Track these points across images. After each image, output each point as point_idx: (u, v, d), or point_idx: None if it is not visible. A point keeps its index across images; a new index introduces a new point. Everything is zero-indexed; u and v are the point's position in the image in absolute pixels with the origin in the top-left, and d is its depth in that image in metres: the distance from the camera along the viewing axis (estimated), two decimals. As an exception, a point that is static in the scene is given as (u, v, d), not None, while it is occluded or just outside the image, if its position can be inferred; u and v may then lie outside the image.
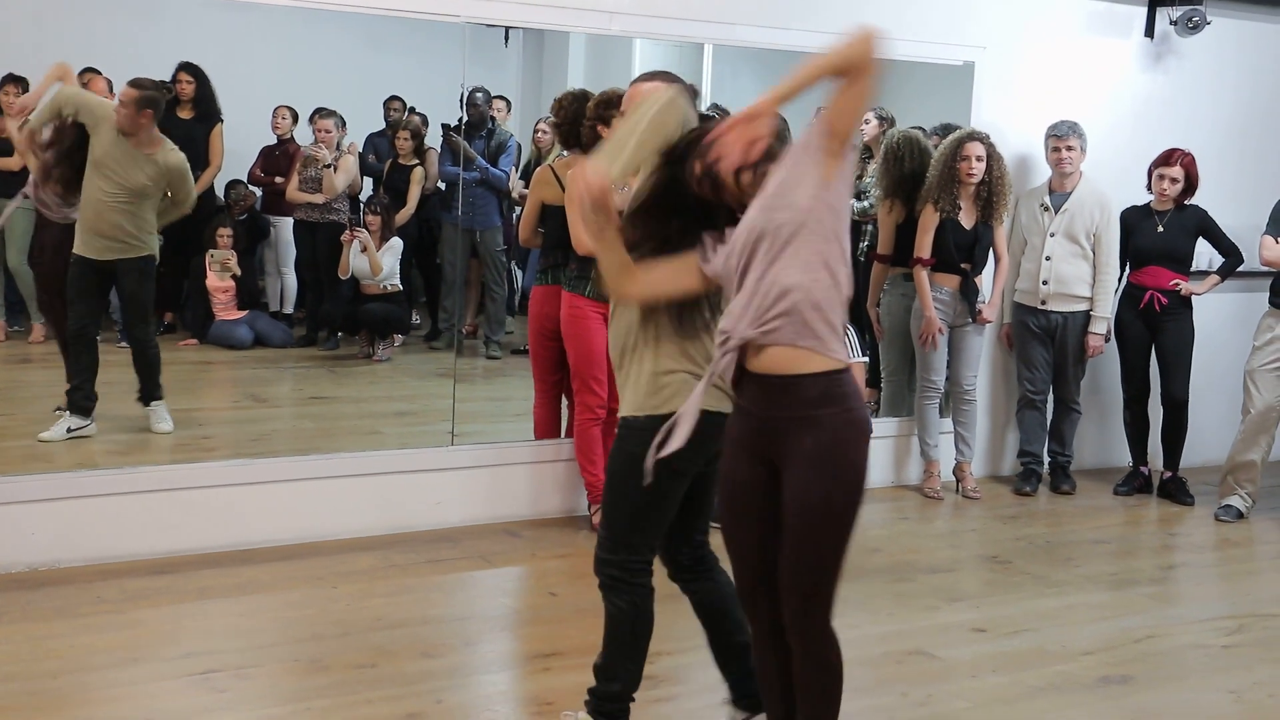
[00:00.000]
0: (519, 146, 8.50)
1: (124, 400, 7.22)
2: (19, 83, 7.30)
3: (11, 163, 7.00)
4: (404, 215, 7.96)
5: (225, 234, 8.13)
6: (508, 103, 8.73)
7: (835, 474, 2.99)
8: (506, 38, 8.69)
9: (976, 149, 6.59)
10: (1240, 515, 6.79)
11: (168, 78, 7.95)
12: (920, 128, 7.13)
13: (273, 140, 8.37)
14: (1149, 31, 7.45)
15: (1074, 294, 6.97)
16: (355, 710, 2.88)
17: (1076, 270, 6.96)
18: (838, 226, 3.04)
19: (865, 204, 7.18)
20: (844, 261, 3.03)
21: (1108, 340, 7.09)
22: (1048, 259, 6.97)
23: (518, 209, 7.94)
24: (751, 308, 2.98)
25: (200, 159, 8.05)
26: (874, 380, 6.92)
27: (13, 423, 6.33)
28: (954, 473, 7.04)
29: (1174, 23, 7.37)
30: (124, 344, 6.70)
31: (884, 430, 6.92)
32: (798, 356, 2.97)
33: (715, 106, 6.78)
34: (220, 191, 8.36)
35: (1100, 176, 7.04)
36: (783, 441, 3.01)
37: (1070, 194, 6.96)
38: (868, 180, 7.17)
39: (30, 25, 7.28)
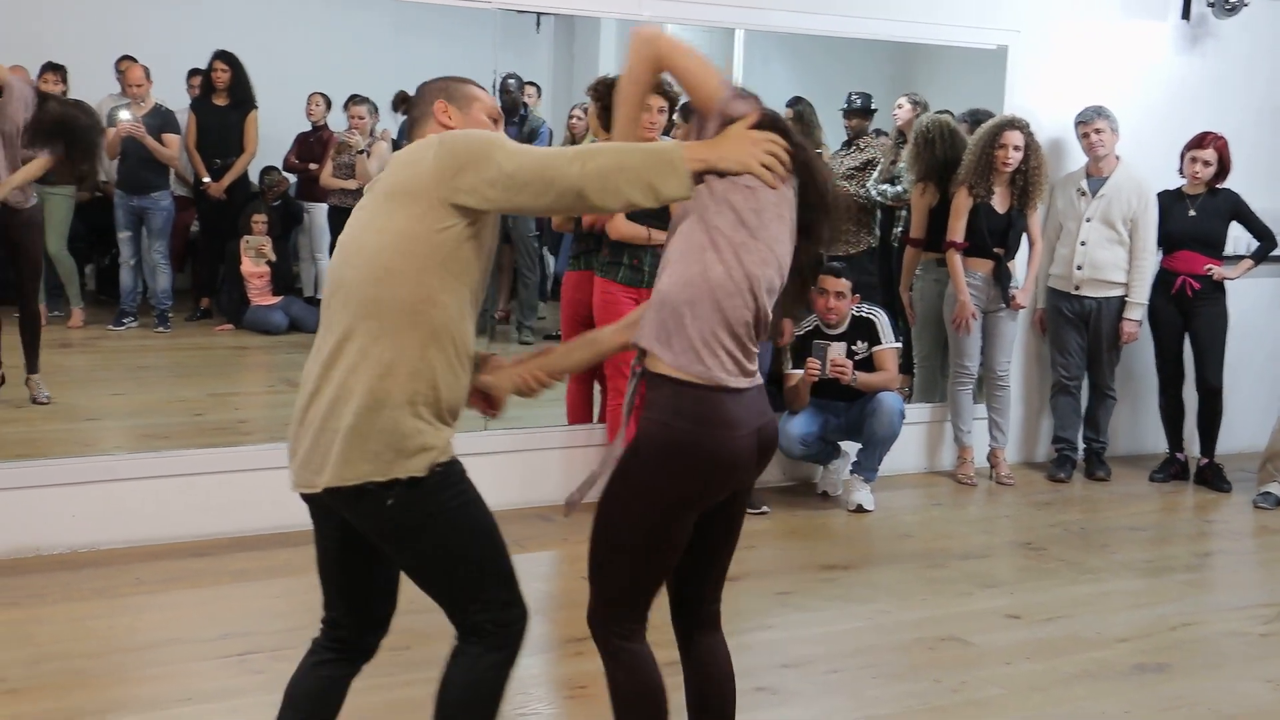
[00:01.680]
0: (551, 133, 8.50)
1: (165, 385, 7.28)
2: (58, 70, 7.35)
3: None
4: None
5: (260, 220, 8.18)
6: (539, 89, 8.73)
7: (617, 487, 2.83)
8: (538, 24, 8.69)
9: (1015, 138, 6.54)
10: (1279, 502, 6.73)
11: (204, 65, 8.01)
12: (949, 112, 7.08)
13: (307, 127, 8.41)
14: (1185, 14, 7.37)
15: (1109, 279, 6.92)
16: (390, 693, 2.89)
17: (1112, 256, 6.91)
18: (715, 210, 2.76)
19: (898, 189, 7.14)
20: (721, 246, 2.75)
21: (1142, 326, 7.03)
22: (1083, 244, 6.92)
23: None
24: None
25: (235, 146, 8.12)
26: (906, 366, 6.89)
27: (54, 407, 6.37)
28: (987, 459, 7.01)
29: (1211, 4, 7.29)
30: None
31: (916, 416, 6.90)
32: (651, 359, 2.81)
33: (744, 91, 6.76)
34: (255, 178, 8.42)
35: (1133, 160, 6.97)
36: None
37: (1107, 179, 6.90)
38: (900, 165, 7.13)
39: (69, 14, 7.34)
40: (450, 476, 2.71)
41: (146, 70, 7.68)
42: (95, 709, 3.76)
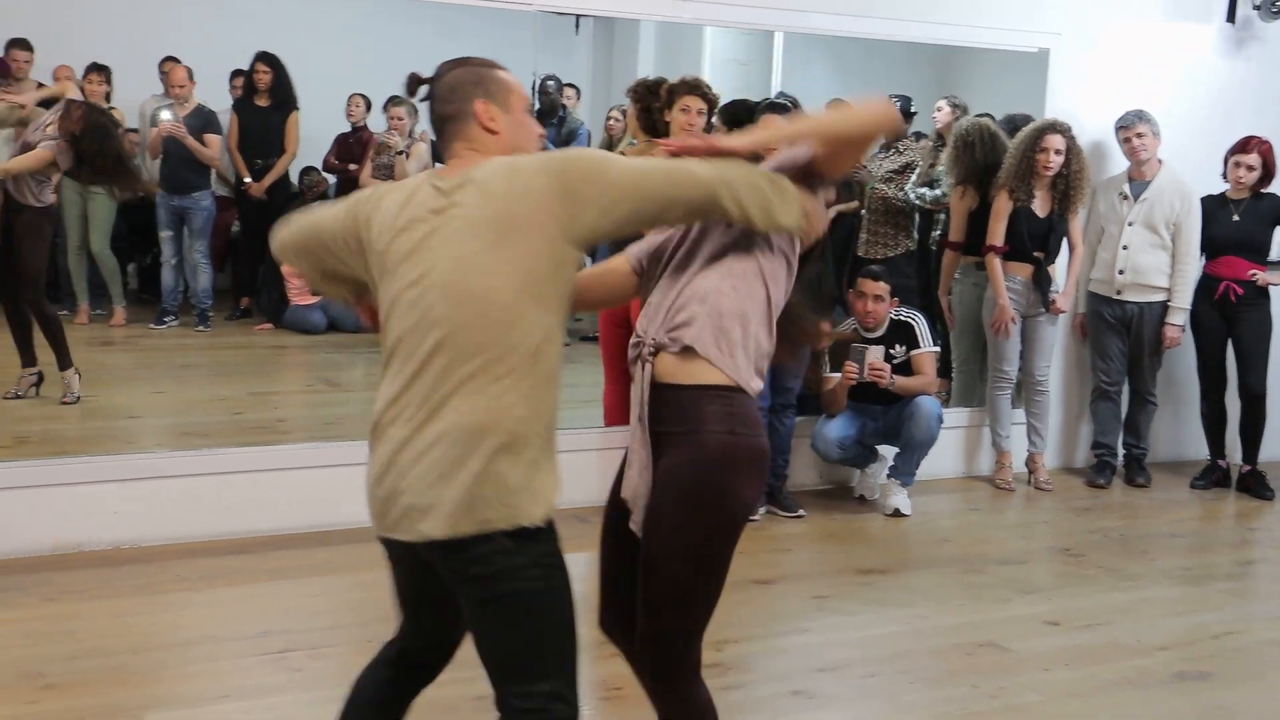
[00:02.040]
0: (589, 134, 8.51)
1: (205, 384, 7.33)
2: (102, 71, 7.42)
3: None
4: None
5: (300, 220, 8.21)
6: (578, 91, 8.74)
7: (699, 506, 2.69)
8: (577, 25, 8.71)
9: (1056, 141, 6.49)
10: (1320, 510, 6.67)
11: (245, 67, 8.06)
12: (989, 115, 7.05)
13: (347, 128, 8.45)
14: (1230, 16, 7.30)
15: (1151, 284, 6.87)
16: (426, 692, 2.88)
17: (1154, 260, 6.86)
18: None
19: (937, 192, 7.11)
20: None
21: (1184, 331, 6.97)
22: (1125, 248, 6.86)
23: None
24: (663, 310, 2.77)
25: (276, 146, 8.17)
26: (945, 370, 6.85)
27: (96, 404, 6.43)
28: (1026, 464, 6.97)
29: (1257, 7, 7.23)
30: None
31: (954, 420, 6.86)
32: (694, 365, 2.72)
33: (783, 94, 6.74)
34: (295, 178, 8.47)
35: (1176, 164, 6.91)
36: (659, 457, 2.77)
37: (1150, 183, 6.85)
38: (939, 169, 7.10)
39: (113, 16, 7.40)
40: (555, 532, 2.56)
41: (189, 71, 7.75)
42: (134, 705, 3.78)
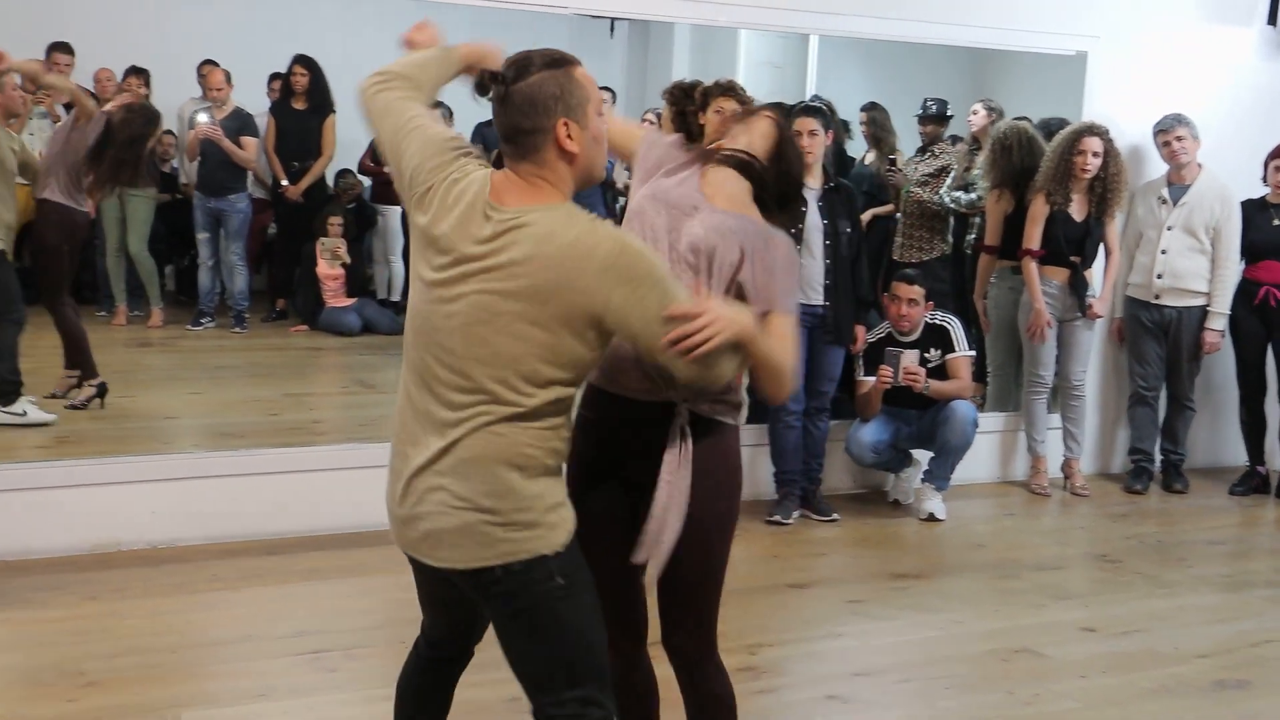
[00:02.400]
0: (624, 137, 8.52)
1: (241, 385, 7.38)
2: (141, 74, 7.48)
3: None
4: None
5: (335, 222, 8.28)
6: (613, 93, 8.75)
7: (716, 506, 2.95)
8: (612, 28, 8.72)
9: (1094, 144, 6.46)
10: (1359, 517, 6.61)
11: (283, 70, 8.12)
12: (1026, 118, 7.02)
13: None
14: (1272, 19, 7.25)
15: (1189, 289, 6.82)
16: (460, 693, 2.90)
17: (1193, 265, 6.81)
18: None
19: (972, 196, 7.08)
20: None
21: (1224, 336, 6.92)
22: (1163, 253, 6.82)
23: (621, 199, 7.96)
24: None
25: (313, 149, 8.23)
26: (980, 374, 6.83)
27: (135, 404, 6.49)
28: (1062, 469, 6.93)
29: (1299, 10, 7.17)
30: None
31: (990, 425, 6.82)
32: None
33: (817, 97, 6.74)
34: (331, 180, 8.52)
35: (1217, 169, 6.87)
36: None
37: (1189, 187, 6.81)
38: (974, 172, 7.07)
39: (152, 19, 7.46)
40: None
41: (227, 74, 7.81)
42: (172, 703, 3.81)
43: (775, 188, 2.91)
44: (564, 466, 2.58)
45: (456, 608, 2.76)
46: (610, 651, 2.66)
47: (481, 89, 2.52)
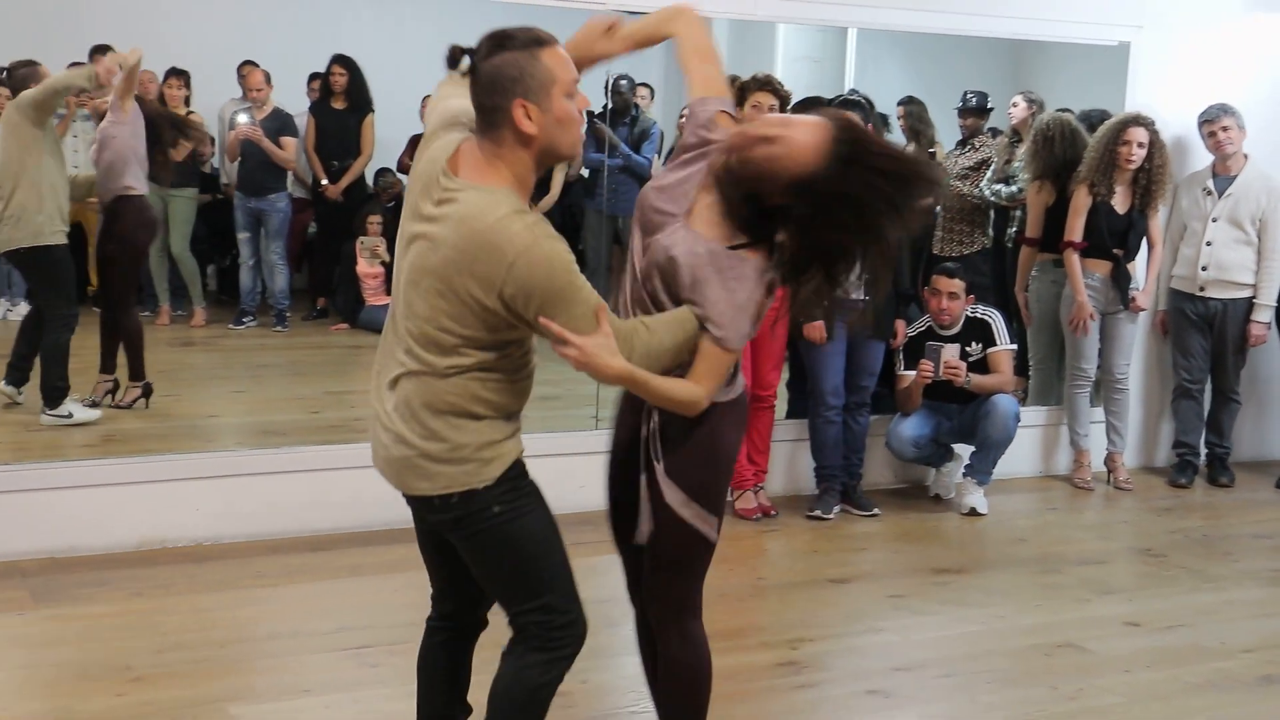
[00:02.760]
0: (662, 134, 8.53)
1: (282, 384, 7.44)
2: (181, 75, 7.53)
3: (173, 153, 7.22)
4: (547, 202, 8.03)
5: (375, 221, 8.31)
6: (651, 90, 8.76)
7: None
8: (647, 25, 8.70)
9: (1139, 134, 6.41)
10: None
11: (322, 70, 8.16)
12: (1069, 110, 6.98)
13: (421, 130, 8.53)
14: (1317, 6, 7.18)
15: (1235, 281, 6.77)
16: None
17: (1239, 256, 6.76)
18: None
19: (1013, 189, 7.05)
20: None
21: (1270, 329, 6.87)
22: (1208, 244, 6.77)
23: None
24: None
25: (352, 148, 8.26)
26: (1022, 368, 6.80)
27: (178, 403, 6.54)
28: (1105, 463, 6.90)
29: (1345, -2, 7.10)
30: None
31: (1032, 419, 6.80)
32: None
33: (855, 91, 6.72)
34: (370, 179, 8.56)
35: (1262, 159, 6.81)
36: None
37: (1235, 178, 6.75)
38: (1016, 165, 7.04)
39: (192, 20, 7.52)
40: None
41: (267, 75, 7.86)
42: (218, 698, 3.85)
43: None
44: (506, 410, 2.76)
45: (449, 556, 2.95)
46: (640, 626, 3.11)
47: (452, 62, 2.66)
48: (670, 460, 2.93)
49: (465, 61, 2.63)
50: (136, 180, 6.22)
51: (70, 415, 5.94)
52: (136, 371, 6.32)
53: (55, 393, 5.95)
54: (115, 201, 6.20)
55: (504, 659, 2.87)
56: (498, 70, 2.57)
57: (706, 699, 3.10)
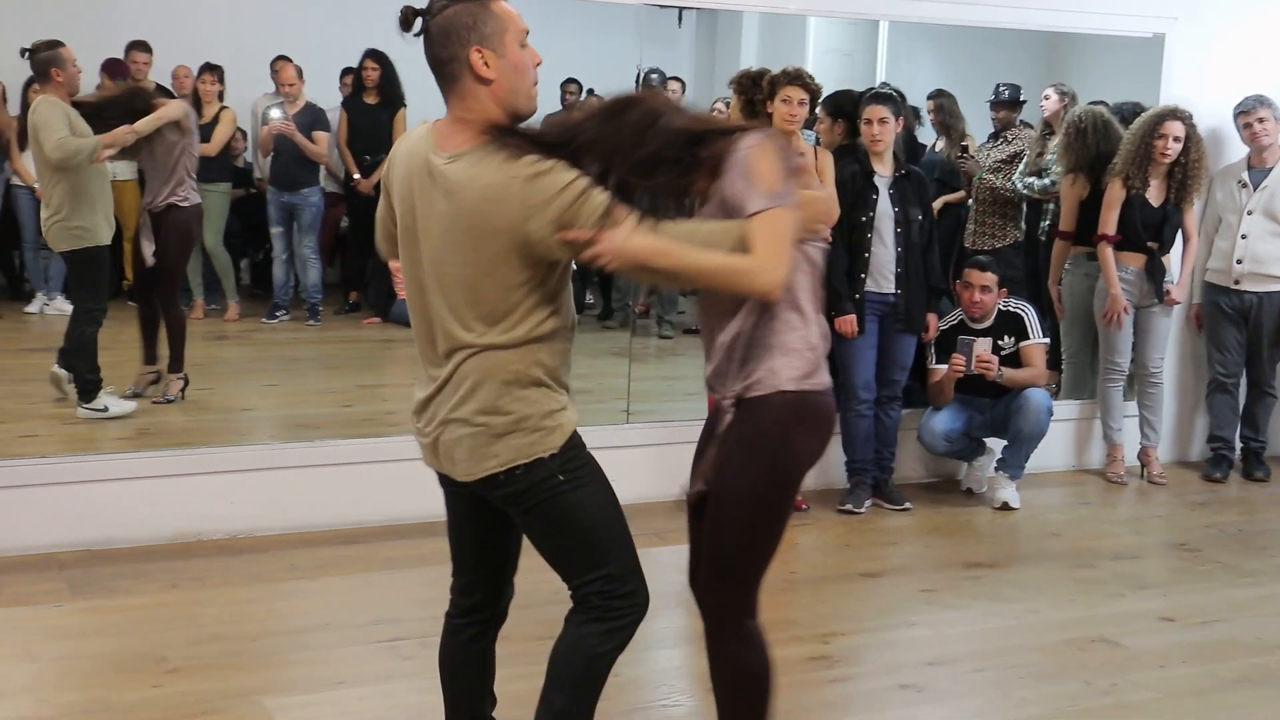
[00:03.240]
0: (693, 125, 8.52)
1: (315, 377, 7.47)
2: (215, 71, 7.57)
3: (207, 148, 7.26)
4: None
5: (408, 215, 8.32)
6: (682, 83, 8.76)
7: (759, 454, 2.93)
8: (679, 19, 8.72)
9: (1176, 128, 6.37)
10: None
11: (355, 65, 8.18)
12: (1103, 102, 6.94)
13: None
14: (1352, -2, 7.11)
15: (1271, 274, 6.72)
16: (534, 681, 2.93)
17: (1274, 249, 6.71)
18: None
19: (1046, 181, 7.01)
20: None
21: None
22: (1244, 237, 6.73)
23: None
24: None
25: (384, 142, 8.28)
26: (1054, 361, 6.76)
27: (213, 396, 6.58)
28: (1139, 457, 6.86)
29: (1381, -11, 7.03)
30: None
31: (1065, 413, 6.76)
32: None
33: (886, 84, 6.70)
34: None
35: (1298, 152, 6.76)
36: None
37: (1270, 170, 6.70)
38: (1049, 157, 7.00)
39: (226, 16, 7.56)
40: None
41: (299, 70, 7.89)
42: (253, 690, 3.86)
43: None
44: (560, 379, 2.78)
45: (485, 545, 2.98)
46: None
47: (405, 24, 2.70)
48: (735, 457, 2.89)
49: (419, 23, 2.68)
50: (188, 191, 6.30)
51: (106, 409, 5.99)
52: (177, 363, 6.37)
53: (88, 386, 5.99)
54: (167, 209, 6.30)
55: (565, 626, 2.88)
56: (450, 21, 2.62)
57: (768, 698, 3.03)
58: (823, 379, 2.92)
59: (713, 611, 3.00)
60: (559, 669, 2.85)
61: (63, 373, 6.10)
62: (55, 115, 5.76)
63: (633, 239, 2.62)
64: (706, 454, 2.99)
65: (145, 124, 6.07)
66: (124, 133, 6.01)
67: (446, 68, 2.65)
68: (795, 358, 2.86)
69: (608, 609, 2.81)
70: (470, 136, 2.66)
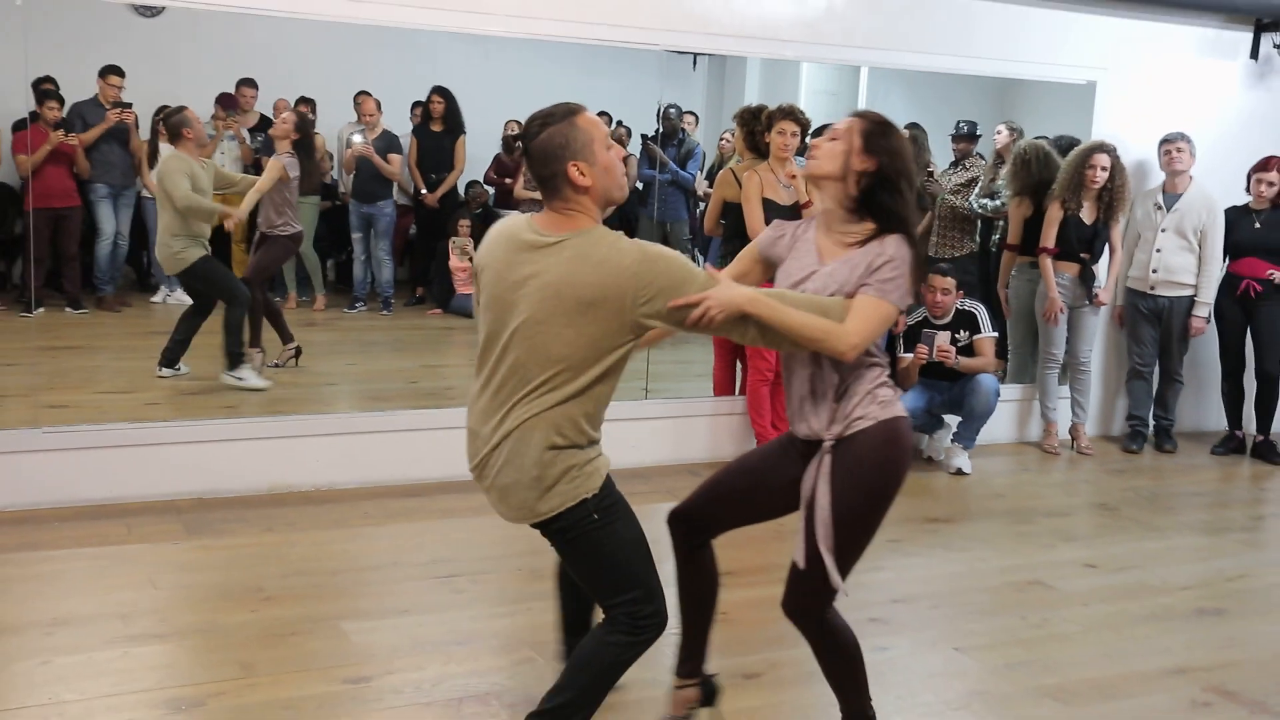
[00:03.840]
0: (704, 153, 8.51)
1: (387, 358, 7.49)
2: (309, 102, 7.58)
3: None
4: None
5: (465, 224, 8.35)
6: (696, 117, 8.74)
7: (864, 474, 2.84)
8: (694, 62, 8.68)
9: (1103, 159, 6.35)
10: (1327, 476, 6.46)
11: (423, 98, 8.18)
12: (1045, 137, 6.91)
13: (503, 149, 8.55)
14: (1254, 54, 7.06)
15: (1179, 281, 6.69)
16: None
17: (1183, 261, 6.68)
18: None
19: (997, 203, 6.98)
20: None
21: (1208, 322, 6.78)
22: (1158, 251, 6.69)
23: (701, 205, 7.95)
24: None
25: (447, 163, 8.31)
26: (1002, 352, 6.74)
27: (302, 373, 6.59)
28: (1070, 432, 6.84)
29: (1277, 46, 6.98)
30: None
31: (1010, 395, 6.75)
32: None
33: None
34: (461, 190, 8.59)
35: (1205, 180, 6.73)
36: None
37: (1181, 195, 6.67)
38: (999, 183, 6.98)
39: (318, 57, 7.55)
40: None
41: (378, 102, 7.89)
42: (333, 615, 3.89)
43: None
44: (598, 422, 2.69)
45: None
46: (676, 547, 3.00)
47: (508, 149, 2.69)
48: (833, 490, 2.76)
49: (519, 147, 2.66)
50: (288, 222, 6.34)
51: (243, 380, 6.02)
52: (286, 336, 6.48)
53: (234, 358, 6.06)
54: (273, 234, 6.38)
55: (594, 631, 2.81)
56: (546, 143, 2.60)
57: (859, 666, 2.96)
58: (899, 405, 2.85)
59: (802, 625, 2.94)
60: (580, 664, 2.76)
61: (167, 371, 6.09)
62: (179, 169, 5.82)
63: (735, 293, 2.58)
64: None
65: (263, 184, 6.14)
66: (245, 208, 6.15)
67: (550, 182, 2.62)
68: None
69: (634, 626, 2.74)
70: (575, 224, 2.62)
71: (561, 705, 2.74)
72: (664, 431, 5.99)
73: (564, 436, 2.63)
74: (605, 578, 2.75)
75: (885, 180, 2.74)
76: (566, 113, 2.62)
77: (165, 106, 6.16)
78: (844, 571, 2.80)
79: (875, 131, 2.78)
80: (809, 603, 2.87)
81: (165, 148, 5.97)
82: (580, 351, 2.58)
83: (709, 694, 3.22)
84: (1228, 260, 6.76)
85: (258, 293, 6.37)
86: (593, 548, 2.71)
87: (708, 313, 2.56)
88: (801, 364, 2.83)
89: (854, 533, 2.80)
